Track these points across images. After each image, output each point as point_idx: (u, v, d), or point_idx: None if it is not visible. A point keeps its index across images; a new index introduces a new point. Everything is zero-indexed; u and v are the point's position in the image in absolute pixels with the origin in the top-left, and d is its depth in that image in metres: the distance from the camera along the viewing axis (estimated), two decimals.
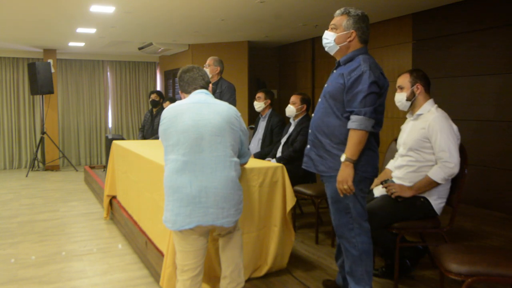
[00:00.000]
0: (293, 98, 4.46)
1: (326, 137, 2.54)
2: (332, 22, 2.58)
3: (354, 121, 2.39)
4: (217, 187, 2.36)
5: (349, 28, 2.52)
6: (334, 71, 2.64)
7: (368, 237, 2.54)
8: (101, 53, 9.63)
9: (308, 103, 4.48)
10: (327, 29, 2.63)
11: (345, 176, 2.41)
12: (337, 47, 2.56)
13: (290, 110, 4.44)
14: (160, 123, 2.50)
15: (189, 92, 2.58)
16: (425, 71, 3.05)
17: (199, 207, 2.34)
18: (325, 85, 2.65)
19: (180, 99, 2.68)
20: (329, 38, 2.57)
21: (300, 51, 8.43)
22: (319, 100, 2.66)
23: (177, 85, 9.09)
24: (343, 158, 2.42)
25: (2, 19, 5.85)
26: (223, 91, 4.50)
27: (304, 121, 4.40)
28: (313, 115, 2.69)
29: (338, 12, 2.58)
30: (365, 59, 2.46)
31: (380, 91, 2.46)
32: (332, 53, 2.62)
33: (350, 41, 2.53)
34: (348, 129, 2.43)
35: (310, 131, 2.68)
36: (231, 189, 2.40)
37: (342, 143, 2.47)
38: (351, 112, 2.42)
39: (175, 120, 2.42)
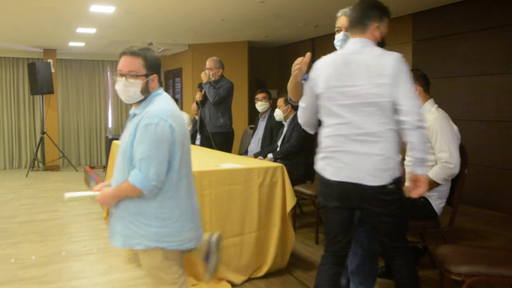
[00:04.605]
0: (278, 102, 4.65)
1: None
2: (344, 25, 2.42)
3: None
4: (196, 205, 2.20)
5: None
6: None
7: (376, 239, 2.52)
8: (101, 53, 9.63)
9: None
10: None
11: None
12: None
13: (278, 113, 4.64)
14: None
15: None
16: (425, 71, 3.04)
17: (198, 226, 2.19)
18: None
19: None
20: None
21: (300, 51, 8.37)
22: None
23: (177, 85, 9.09)
24: None
25: (2, 19, 5.85)
26: (221, 86, 4.75)
27: (296, 119, 4.43)
28: None
29: (343, 14, 2.44)
30: None
31: None
32: None
33: None
34: None
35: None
36: None
37: None
38: None
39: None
